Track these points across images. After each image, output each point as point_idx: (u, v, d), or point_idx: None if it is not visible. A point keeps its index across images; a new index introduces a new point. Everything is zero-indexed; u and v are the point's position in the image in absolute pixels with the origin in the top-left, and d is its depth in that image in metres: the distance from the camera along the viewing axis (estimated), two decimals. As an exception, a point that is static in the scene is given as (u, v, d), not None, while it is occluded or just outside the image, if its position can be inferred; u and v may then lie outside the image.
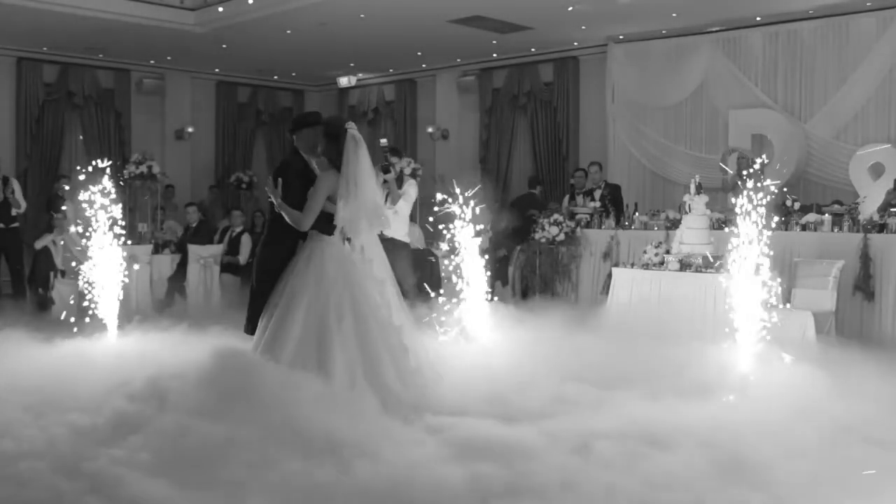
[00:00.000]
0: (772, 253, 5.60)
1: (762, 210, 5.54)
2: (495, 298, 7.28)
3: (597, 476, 3.79)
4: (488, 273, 6.97)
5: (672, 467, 3.91)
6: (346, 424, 4.30)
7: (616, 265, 8.45)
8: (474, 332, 6.64)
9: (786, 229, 7.70)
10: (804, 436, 4.37)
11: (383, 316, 5.06)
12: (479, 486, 3.67)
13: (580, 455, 4.06)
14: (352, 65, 13.92)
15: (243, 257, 10.58)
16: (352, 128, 5.18)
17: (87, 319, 6.93)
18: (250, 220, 12.20)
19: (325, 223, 5.08)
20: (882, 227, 7.56)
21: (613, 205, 9.94)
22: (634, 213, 9.58)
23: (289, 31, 11.12)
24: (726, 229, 5.70)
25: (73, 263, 8.09)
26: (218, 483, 3.68)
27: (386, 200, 6.84)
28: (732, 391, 5.29)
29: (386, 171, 7.30)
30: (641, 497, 3.61)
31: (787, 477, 3.80)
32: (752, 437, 4.35)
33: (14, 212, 10.12)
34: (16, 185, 10.31)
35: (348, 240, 5.11)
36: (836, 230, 7.87)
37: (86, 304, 6.91)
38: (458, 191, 6.64)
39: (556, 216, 9.60)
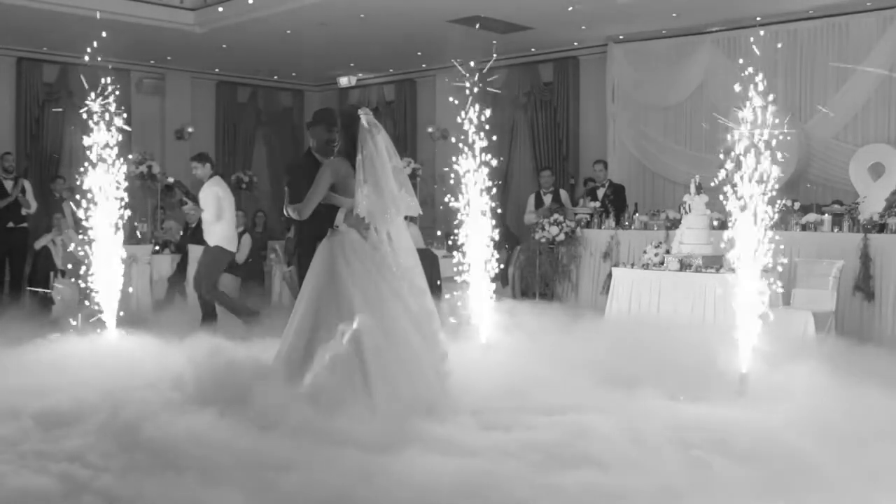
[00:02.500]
0: (773, 252, 5.59)
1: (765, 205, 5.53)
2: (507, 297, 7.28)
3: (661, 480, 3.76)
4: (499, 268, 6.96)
5: (725, 471, 3.87)
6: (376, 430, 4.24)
7: (616, 265, 8.45)
8: (479, 330, 6.65)
9: (786, 229, 7.70)
10: (841, 434, 4.36)
11: (413, 307, 4.89)
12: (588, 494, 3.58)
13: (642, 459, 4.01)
14: (352, 65, 13.91)
15: (241, 256, 10.58)
16: (366, 113, 5.00)
17: (88, 319, 6.94)
18: (251, 220, 12.20)
19: (328, 216, 4.96)
20: (882, 227, 7.56)
21: (616, 205, 9.94)
22: (634, 213, 9.58)
23: (289, 31, 11.12)
24: (728, 232, 5.67)
25: (69, 265, 8.11)
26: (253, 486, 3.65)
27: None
28: (745, 391, 5.31)
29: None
30: None
31: (842, 477, 3.77)
32: (787, 436, 4.35)
33: (24, 212, 10.24)
34: (27, 186, 10.46)
35: (369, 228, 4.92)
36: (836, 230, 7.87)
37: (87, 303, 6.93)
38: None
39: (556, 216, 9.60)
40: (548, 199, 10.47)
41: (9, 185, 10.30)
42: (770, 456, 4.04)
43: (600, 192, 10.30)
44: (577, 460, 3.96)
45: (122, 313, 7.04)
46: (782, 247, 5.54)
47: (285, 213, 5.10)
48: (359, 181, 4.85)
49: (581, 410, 4.76)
